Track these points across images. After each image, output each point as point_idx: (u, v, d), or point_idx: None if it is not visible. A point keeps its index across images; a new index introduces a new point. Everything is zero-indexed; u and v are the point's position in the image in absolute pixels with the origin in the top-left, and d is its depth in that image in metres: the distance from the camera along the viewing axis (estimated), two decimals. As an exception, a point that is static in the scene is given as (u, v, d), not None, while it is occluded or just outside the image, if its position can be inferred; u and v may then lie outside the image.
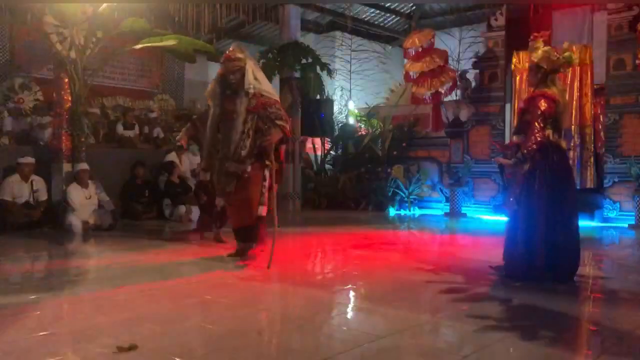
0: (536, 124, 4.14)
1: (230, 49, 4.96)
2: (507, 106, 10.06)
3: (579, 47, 9.25)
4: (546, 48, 4.34)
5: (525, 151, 4.15)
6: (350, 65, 14.40)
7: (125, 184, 8.74)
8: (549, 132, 4.19)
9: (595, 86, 9.06)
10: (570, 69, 9.09)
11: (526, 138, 4.20)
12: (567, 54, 4.40)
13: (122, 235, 6.92)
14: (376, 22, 14.49)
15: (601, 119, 9.05)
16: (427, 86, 10.22)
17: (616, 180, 8.64)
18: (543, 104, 4.15)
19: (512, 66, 9.77)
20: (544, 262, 4.19)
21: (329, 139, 12.02)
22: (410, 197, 10.56)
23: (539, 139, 4.12)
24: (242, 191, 4.83)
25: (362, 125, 12.11)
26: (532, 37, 4.60)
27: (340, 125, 12.40)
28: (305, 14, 13.03)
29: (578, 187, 9.14)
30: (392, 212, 10.46)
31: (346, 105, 13.46)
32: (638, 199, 8.34)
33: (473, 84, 10.36)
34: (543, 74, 4.30)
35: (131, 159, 8.94)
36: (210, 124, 4.95)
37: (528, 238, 4.23)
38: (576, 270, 4.35)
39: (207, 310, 3.41)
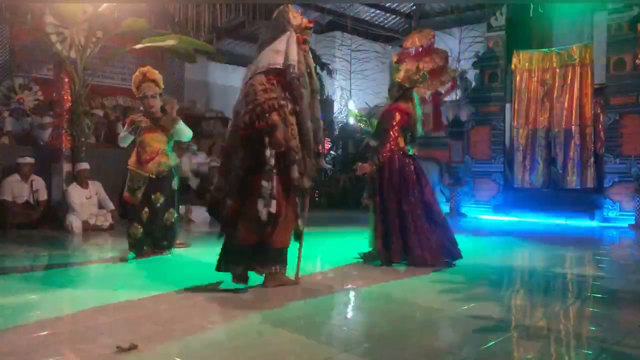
0: (391, 133, 4.87)
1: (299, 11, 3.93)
2: (507, 106, 10.07)
3: (579, 47, 9.27)
4: (408, 69, 5.27)
5: (379, 157, 4.85)
6: (350, 65, 14.41)
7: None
8: (400, 139, 4.93)
9: (595, 86, 9.07)
10: (573, 69, 9.17)
11: (382, 144, 4.90)
12: (423, 74, 5.43)
13: (122, 235, 6.90)
14: (376, 22, 14.49)
15: (601, 119, 9.06)
16: (427, 86, 10.22)
17: (616, 180, 8.64)
18: (397, 117, 4.90)
19: (512, 66, 9.78)
20: (399, 248, 4.83)
21: (329, 139, 12.02)
22: (410, 197, 10.55)
23: (392, 146, 4.86)
24: (292, 201, 3.93)
25: (362, 125, 12.10)
26: (395, 60, 5.12)
27: (340, 125, 12.39)
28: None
29: (578, 187, 9.17)
30: (392, 212, 10.44)
31: (346, 105, 13.46)
32: (638, 199, 8.35)
33: (473, 84, 10.36)
34: (404, 91, 5.08)
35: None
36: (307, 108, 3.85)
37: (385, 229, 4.93)
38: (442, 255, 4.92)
39: (207, 310, 3.41)
